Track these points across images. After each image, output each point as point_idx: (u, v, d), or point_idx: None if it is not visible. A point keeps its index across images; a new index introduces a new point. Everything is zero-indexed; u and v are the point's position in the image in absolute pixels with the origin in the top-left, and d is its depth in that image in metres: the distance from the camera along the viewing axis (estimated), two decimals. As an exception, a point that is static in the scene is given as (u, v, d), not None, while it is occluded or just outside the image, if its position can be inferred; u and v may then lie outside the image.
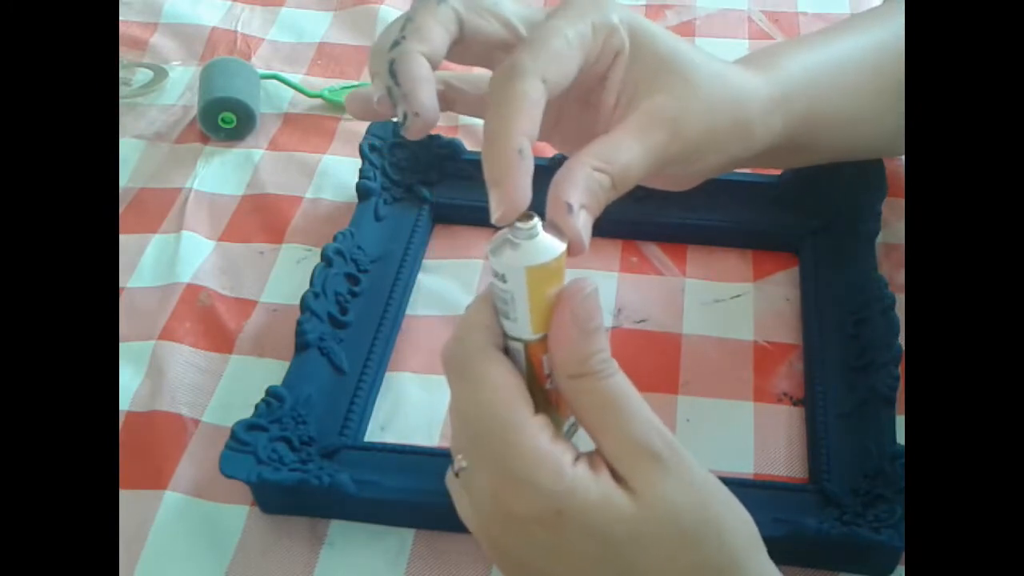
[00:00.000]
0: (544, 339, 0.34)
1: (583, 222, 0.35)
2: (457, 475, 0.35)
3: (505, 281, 0.33)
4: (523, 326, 0.33)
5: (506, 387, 0.33)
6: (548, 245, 0.33)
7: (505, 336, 0.34)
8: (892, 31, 0.51)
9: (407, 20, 0.38)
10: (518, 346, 0.34)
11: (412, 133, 0.37)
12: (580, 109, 0.43)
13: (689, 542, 0.33)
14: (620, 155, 0.38)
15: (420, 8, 0.38)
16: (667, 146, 0.40)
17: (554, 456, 0.33)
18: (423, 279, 0.56)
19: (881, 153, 0.56)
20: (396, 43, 0.37)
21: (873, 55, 0.50)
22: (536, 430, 0.33)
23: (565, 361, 0.33)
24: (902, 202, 0.58)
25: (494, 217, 0.34)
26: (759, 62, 0.46)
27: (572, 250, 0.34)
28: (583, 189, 0.36)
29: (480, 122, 0.66)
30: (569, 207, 0.35)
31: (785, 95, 0.45)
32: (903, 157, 0.62)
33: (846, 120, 0.50)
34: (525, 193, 0.34)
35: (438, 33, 0.38)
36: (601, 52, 0.39)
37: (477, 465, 0.34)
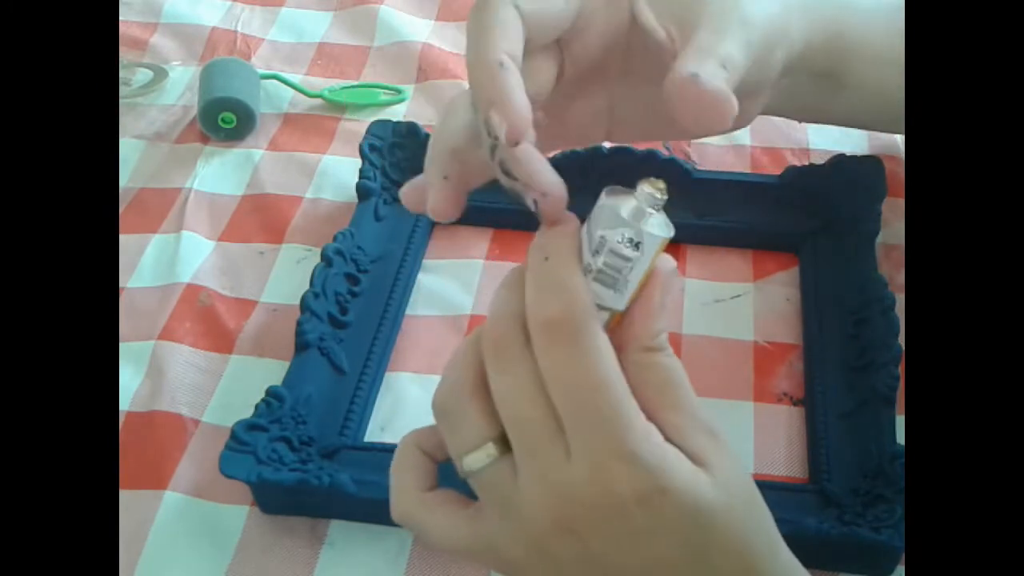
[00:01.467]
0: (623, 313, 0.33)
1: (724, 87, 0.33)
2: (469, 476, 0.33)
3: (637, 248, 0.31)
4: (623, 297, 0.32)
5: (614, 356, 0.32)
6: (668, 219, 0.32)
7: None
8: None
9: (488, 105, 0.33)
10: (603, 316, 0.32)
11: (550, 216, 0.33)
12: (624, 81, 0.42)
13: (745, 517, 0.33)
14: (717, 48, 0.36)
15: (501, 81, 0.33)
16: (746, 33, 0.38)
17: (654, 430, 0.31)
18: (423, 279, 0.56)
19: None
20: (493, 145, 0.33)
21: None
22: (635, 404, 0.32)
23: (644, 333, 0.32)
24: (902, 202, 0.58)
25: (505, 136, 0.32)
26: None
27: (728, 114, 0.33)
28: (706, 64, 0.34)
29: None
30: (695, 76, 0.33)
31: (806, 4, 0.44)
32: (902, 155, 0.62)
33: (880, 56, 0.48)
34: (524, 103, 0.32)
35: (538, 82, 0.36)
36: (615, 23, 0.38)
37: (576, 442, 0.31)
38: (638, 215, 0.31)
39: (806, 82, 0.46)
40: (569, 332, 0.31)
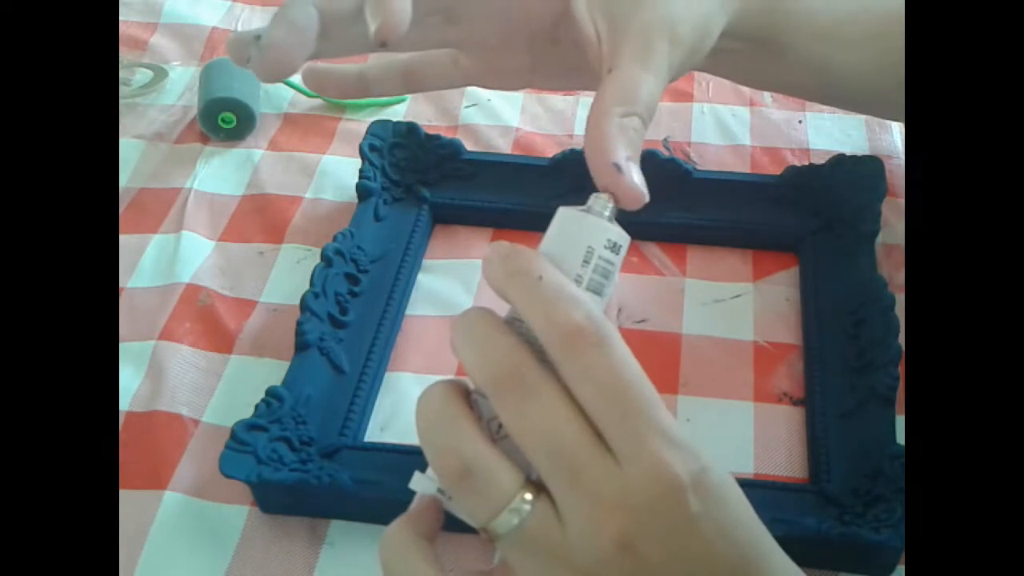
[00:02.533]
0: None
1: (637, 174, 0.35)
2: (505, 538, 0.31)
3: (618, 252, 0.33)
4: (604, 301, 0.33)
5: None
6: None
7: None
8: None
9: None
10: None
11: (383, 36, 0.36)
12: (551, 48, 0.45)
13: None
14: (639, 90, 0.38)
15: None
16: (671, 57, 0.39)
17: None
18: (423, 279, 0.56)
19: (858, 95, 0.54)
20: None
21: None
22: None
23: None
24: (902, 202, 0.58)
25: (375, 33, 0.35)
26: None
27: (634, 203, 0.35)
28: (623, 142, 0.36)
29: (481, 122, 0.66)
30: (618, 167, 0.35)
31: None
32: (901, 155, 0.62)
33: (820, 31, 0.48)
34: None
35: None
36: None
37: (624, 442, 0.30)
38: (615, 221, 0.34)
39: (744, 49, 0.47)
40: (596, 334, 0.31)
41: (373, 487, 0.44)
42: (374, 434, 0.49)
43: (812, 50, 0.49)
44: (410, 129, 0.60)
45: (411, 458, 0.46)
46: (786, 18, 0.47)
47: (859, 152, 0.59)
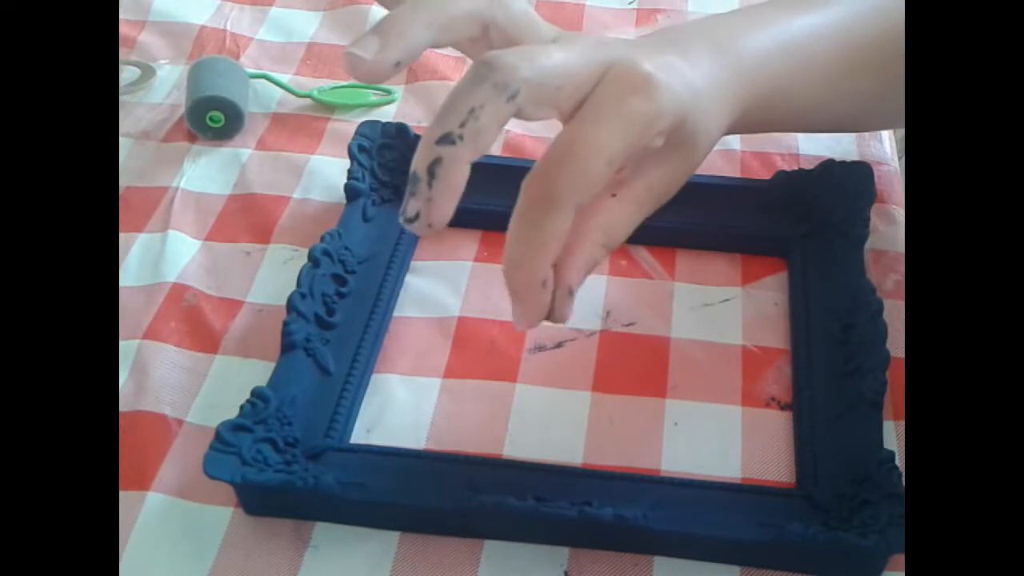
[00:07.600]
0: None
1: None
2: None
3: None
4: None
5: None
6: None
7: None
8: (855, 6, 0.50)
9: (472, 113, 0.35)
10: None
11: (418, 230, 0.37)
12: None
13: None
14: (623, 231, 0.41)
15: (489, 103, 0.35)
16: (657, 204, 0.42)
17: None
18: (411, 280, 0.56)
19: (842, 129, 0.58)
20: (451, 140, 0.35)
21: (839, 32, 0.49)
22: None
23: None
24: (890, 208, 0.58)
25: (518, 327, 0.38)
26: (722, 46, 0.44)
27: (561, 321, 0.39)
28: (584, 271, 0.39)
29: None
30: (572, 291, 0.39)
31: (744, 86, 0.45)
32: (893, 160, 0.62)
33: (805, 103, 0.49)
34: (545, 312, 0.38)
35: (494, 137, 0.36)
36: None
37: None
38: None
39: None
40: None
41: (358, 489, 0.43)
42: (360, 436, 0.49)
43: (793, 117, 0.51)
44: (399, 130, 0.60)
45: (397, 460, 0.46)
46: (783, 99, 0.48)
47: (848, 158, 0.59)
